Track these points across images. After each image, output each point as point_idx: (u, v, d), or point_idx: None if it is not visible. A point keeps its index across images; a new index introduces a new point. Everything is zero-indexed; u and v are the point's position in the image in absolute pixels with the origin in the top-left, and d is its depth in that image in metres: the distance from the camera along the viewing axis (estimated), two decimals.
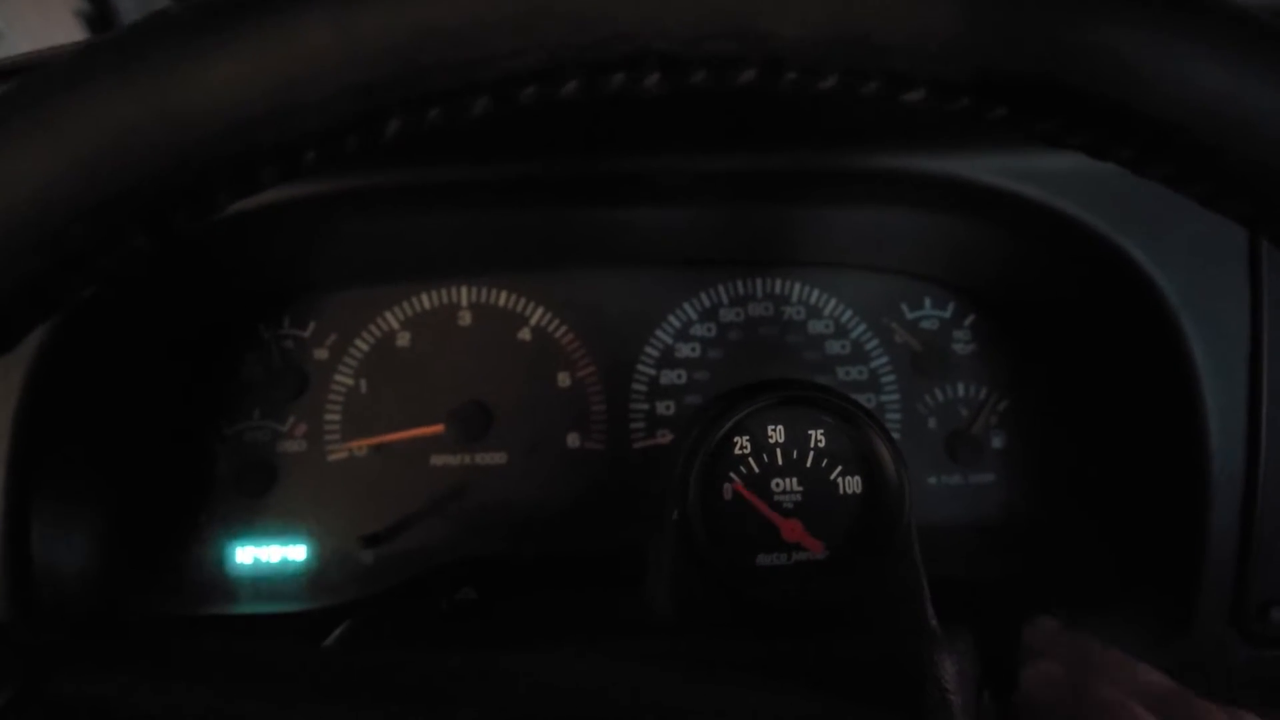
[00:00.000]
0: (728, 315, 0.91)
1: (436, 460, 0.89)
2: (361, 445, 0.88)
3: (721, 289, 0.91)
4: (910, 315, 0.91)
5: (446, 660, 0.38)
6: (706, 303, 0.91)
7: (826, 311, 0.91)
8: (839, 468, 0.67)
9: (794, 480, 0.66)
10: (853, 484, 0.67)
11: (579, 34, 0.28)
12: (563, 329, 0.90)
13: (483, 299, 0.90)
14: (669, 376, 0.91)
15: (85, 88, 0.27)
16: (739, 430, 0.66)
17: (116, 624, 0.77)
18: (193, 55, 0.27)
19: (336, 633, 0.65)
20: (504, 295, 0.90)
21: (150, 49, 0.27)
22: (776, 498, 0.66)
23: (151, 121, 0.27)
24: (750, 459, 0.66)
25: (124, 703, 0.31)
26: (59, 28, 2.01)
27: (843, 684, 0.58)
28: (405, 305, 0.89)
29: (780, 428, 0.66)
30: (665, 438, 0.90)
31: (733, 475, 0.66)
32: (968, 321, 0.91)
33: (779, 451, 0.67)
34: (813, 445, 0.67)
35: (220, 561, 0.86)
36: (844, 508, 0.66)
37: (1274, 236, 0.31)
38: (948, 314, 0.91)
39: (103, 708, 0.31)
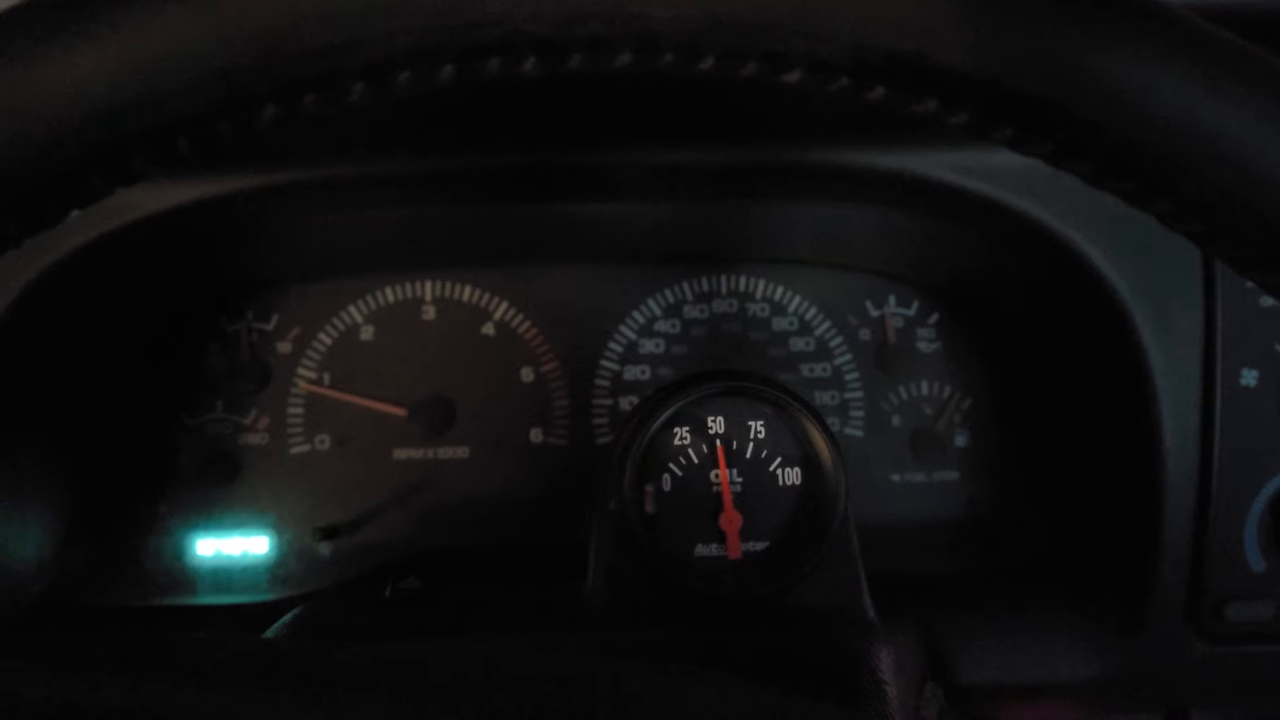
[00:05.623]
0: (692, 311, 0.91)
1: (399, 454, 0.89)
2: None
3: (686, 285, 0.91)
4: (875, 313, 0.90)
5: (371, 650, 0.38)
6: (671, 299, 0.91)
7: (790, 308, 0.90)
8: (778, 459, 0.67)
9: (734, 471, 0.66)
10: (792, 476, 0.66)
11: (446, 18, 0.28)
12: (526, 324, 0.90)
13: (446, 293, 0.90)
14: (633, 372, 0.90)
15: None
16: (677, 420, 0.66)
17: (71, 615, 0.78)
18: (53, 42, 0.27)
19: (279, 623, 0.65)
20: (468, 290, 0.90)
21: (9, 36, 0.27)
22: (716, 489, 0.66)
23: (12, 109, 0.27)
24: (690, 450, 0.66)
25: (38, 696, 0.31)
26: None
27: (778, 673, 0.58)
28: (369, 299, 0.90)
29: (720, 419, 0.66)
30: None
31: (671, 465, 0.66)
32: (932, 319, 0.90)
33: (719, 442, 0.67)
34: (752, 436, 0.66)
35: (180, 553, 0.86)
36: (783, 499, 0.66)
37: (1152, 206, 0.31)
38: (912, 312, 0.90)
39: (16, 702, 0.31)
